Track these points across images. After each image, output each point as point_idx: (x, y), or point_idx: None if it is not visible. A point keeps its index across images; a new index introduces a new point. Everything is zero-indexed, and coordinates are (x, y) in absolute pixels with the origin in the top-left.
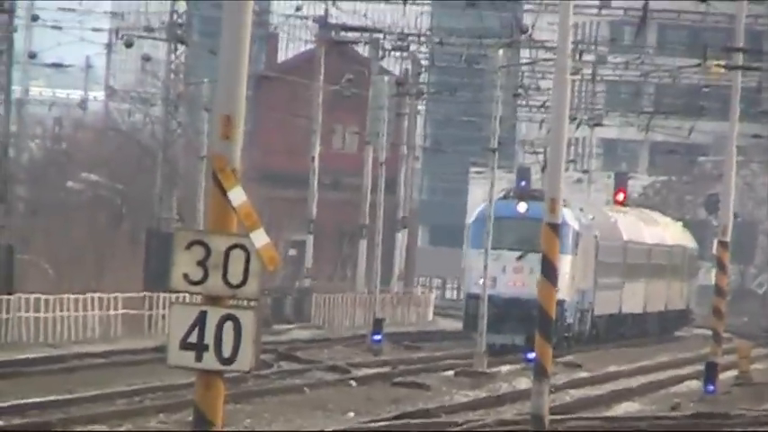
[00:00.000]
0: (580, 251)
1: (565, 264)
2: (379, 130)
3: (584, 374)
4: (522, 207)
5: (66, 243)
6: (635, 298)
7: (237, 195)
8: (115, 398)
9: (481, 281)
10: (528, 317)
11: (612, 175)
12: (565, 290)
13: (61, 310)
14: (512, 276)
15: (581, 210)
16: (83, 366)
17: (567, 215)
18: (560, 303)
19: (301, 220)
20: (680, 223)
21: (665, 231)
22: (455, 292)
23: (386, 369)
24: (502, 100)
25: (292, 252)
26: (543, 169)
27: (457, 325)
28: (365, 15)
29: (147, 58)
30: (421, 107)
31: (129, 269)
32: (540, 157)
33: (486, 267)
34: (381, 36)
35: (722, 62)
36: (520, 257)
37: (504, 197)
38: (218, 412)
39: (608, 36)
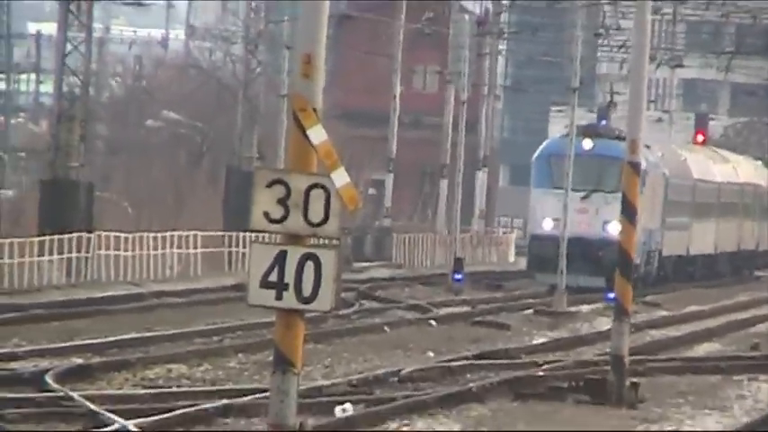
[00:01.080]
0: (647, 189)
1: None
2: (460, 70)
3: (663, 313)
4: (587, 144)
5: (145, 181)
6: (705, 238)
7: (318, 134)
8: (194, 337)
9: (545, 221)
10: (594, 258)
11: (693, 116)
12: None
13: (141, 249)
14: (576, 216)
15: (647, 147)
16: (162, 305)
17: None
18: None
19: (382, 158)
20: (758, 162)
21: (737, 169)
22: None
23: (466, 309)
24: (582, 40)
25: (372, 191)
26: (609, 105)
27: None
28: None
29: None
30: (502, 47)
31: (209, 207)
32: (610, 95)
33: (565, 207)
34: None
35: None
36: (585, 197)
37: (568, 134)
38: (297, 352)
39: None
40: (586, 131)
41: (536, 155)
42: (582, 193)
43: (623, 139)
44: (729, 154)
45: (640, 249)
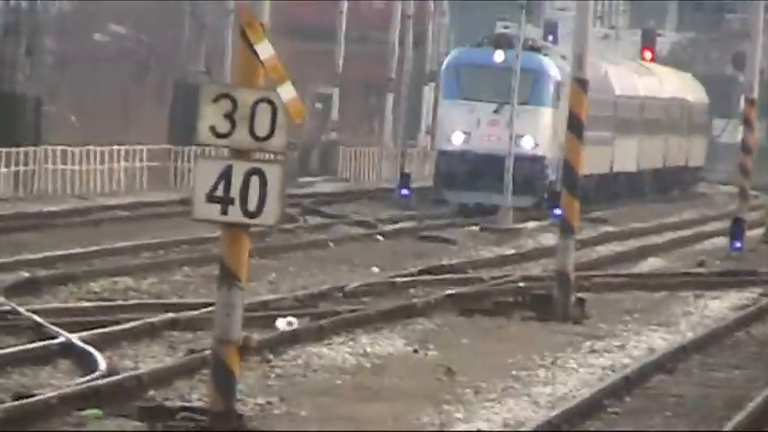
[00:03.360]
0: (563, 104)
1: (545, 116)
2: None
3: (609, 229)
4: (498, 56)
5: (93, 95)
6: (627, 155)
7: (265, 49)
8: (140, 250)
9: (454, 135)
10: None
11: (639, 33)
12: (545, 145)
13: (87, 163)
14: (487, 130)
15: (563, 58)
16: (108, 219)
17: (548, 64)
18: (540, 159)
19: (328, 73)
20: (688, 75)
21: (663, 83)
22: None
23: (412, 224)
24: None
25: (319, 105)
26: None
27: None
28: None
29: None
30: None
31: (155, 121)
32: None
33: (511, 121)
34: None
35: None
36: (496, 110)
37: (479, 44)
38: (242, 266)
39: None
40: (498, 42)
41: (444, 64)
42: (493, 106)
43: (537, 50)
44: (657, 66)
45: (555, 165)
